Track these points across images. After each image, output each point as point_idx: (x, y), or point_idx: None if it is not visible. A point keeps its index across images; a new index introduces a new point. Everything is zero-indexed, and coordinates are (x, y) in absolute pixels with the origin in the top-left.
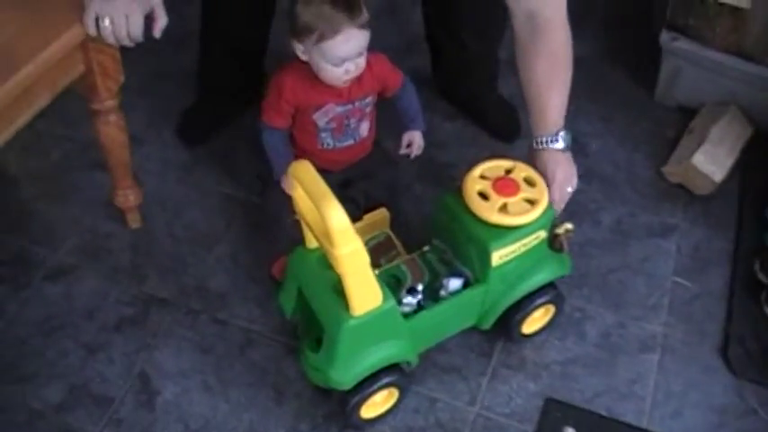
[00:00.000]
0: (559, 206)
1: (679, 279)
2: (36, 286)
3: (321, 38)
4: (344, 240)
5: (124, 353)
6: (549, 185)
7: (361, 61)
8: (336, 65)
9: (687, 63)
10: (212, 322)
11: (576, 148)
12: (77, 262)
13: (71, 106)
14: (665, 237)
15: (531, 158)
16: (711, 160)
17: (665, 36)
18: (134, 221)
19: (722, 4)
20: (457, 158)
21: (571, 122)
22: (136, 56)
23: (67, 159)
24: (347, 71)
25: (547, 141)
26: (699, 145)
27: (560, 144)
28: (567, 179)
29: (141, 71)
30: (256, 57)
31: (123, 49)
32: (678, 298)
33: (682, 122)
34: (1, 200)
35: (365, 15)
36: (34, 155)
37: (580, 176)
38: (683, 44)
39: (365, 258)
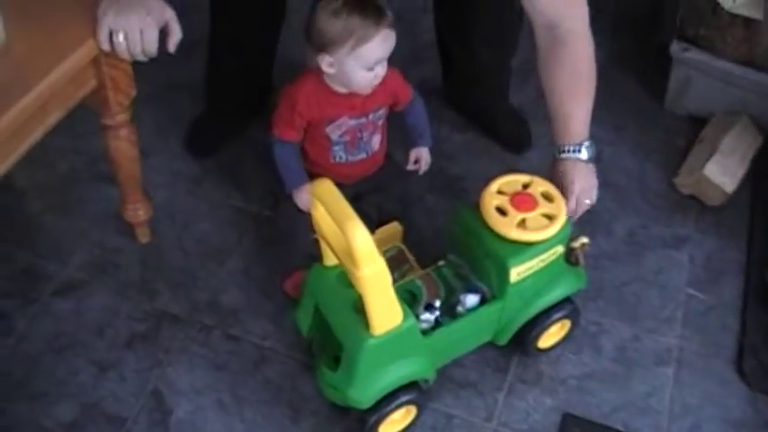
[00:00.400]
0: (573, 217)
1: (692, 291)
2: (45, 302)
3: (360, 42)
4: (368, 261)
5: (136, 370)
6: (566, 195)
7: (385, 63)
8: (371, 68)
9: (698, 72)
10: (225, 338)
11: None
12: (87, 277)
13: (77, 119)
14: (678, 248)
15: (553, 168)
16: (723, 171)
17: (675, 46)
18: (143, 236)
19: (735, 15)
20: (468, 170)
21: None
22: (142, 66)
23: (74, 172)
24: (376, 75)
25: (570, 150)
26: (710, 155)
27: (584, 155)
28: (585, 191)
29: (147, 81)
30: (265, 67)
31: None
32: (692, 310)
33: (692, 131)
34: (8, 214)
35: (391, 15)
36: (41, 168)
37: None
38: (694, 54)
39: (388, 278)
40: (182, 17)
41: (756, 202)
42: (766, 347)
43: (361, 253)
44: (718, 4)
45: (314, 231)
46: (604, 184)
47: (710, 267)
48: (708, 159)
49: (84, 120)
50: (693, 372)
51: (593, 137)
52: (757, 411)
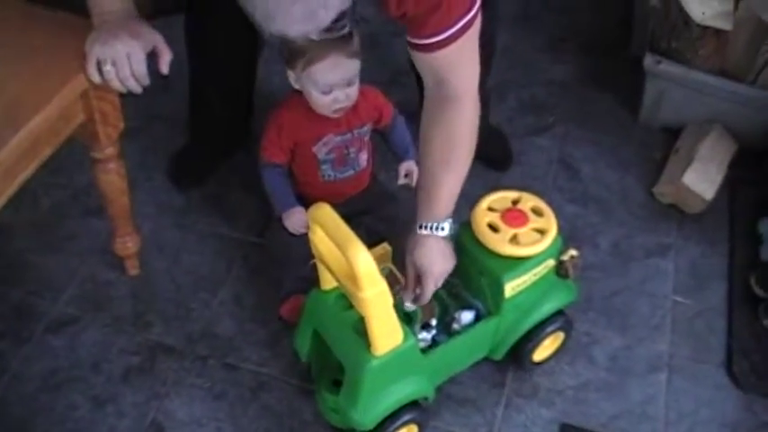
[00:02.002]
0: (427, 296)
1: (679, 298)
2: (38, 339)
3: (309, 63)
4: (371, 283)
5: (134, 404)
6: (423, 273)
7: (352, 92)
8: (324, 92)
9: (672, 85)
10: (222, 367)
11: (570, 172)
12: (79, 312)
13: (60, 153)
14: (663, 256)
15: (410, 241)
16: (702, 179)
17: (648, 59)
18: (133, 268)
19: (706, 27)
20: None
21: (561, 147)
22: (123, 99)
23: (60, 207)
24: (336, 100)
25: (431, 228)
26: (688, 164)
27: (445, 233)
28: (444, 272)
29: (129, 115)
30: (246, 94)
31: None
32: (680, 316)
33: (667, 143)
34: None
35: (355, 44)
36: (26, 204)
37: (575, 201)
38: (667, 67)
39: (389, 299)
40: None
41: (735, 207)
42: (755, 349)
43: (364, 275)
44: (689, 16)
45: (312, 256)
46: (587, 198)
47: (695, 274)
48: (686, 168)
49: (65, 154)
50: (686, 377)
51: (573, 154)
52: (752, 413)
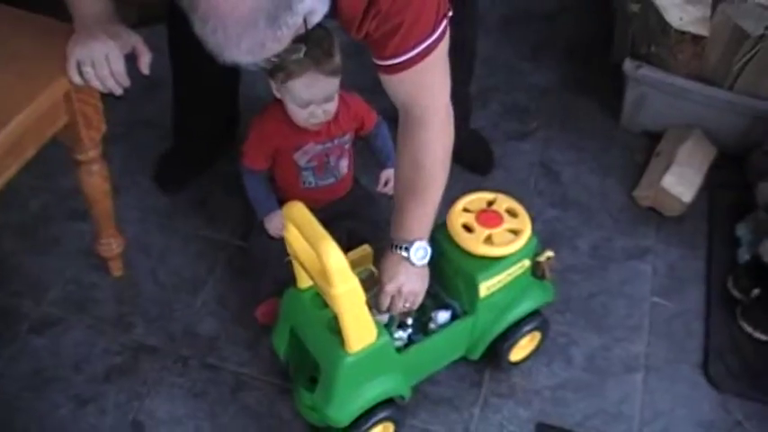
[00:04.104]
0: (396, 310)
1: (657, 299)
2: (22, 340)
3: (288, 77)
4: (342, 279)
5: (115, 403)
6: (391, 290)
7: (330, 107)
8: (301, 106)
9: (651, 89)
10: (202, 367)
11: (551, 176)
12: (62, 313)
13: (47, 156)
14: (642, 259)
15: (382, 258)
16: (680, 182)
17: (628, 64)
18: (117, 269)
19: (683, 32)
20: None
21: (543, 151)
22: (107, 104)
23: (46, 210)
24: (312, 114)
25: (399, 248)
26: (667, 167)
27: (412, 255)
28: (412, 292)
29: (114, 120)
30: (230, 99)
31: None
32: (658, 317)
33: (648, 147)
34: None
35: (335, 63)
36: (12, 207)
37: (556, 205)
38: (647, 71)
39: (361, 296)
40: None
41: (714, 211)
42: (731, 351)
43: (335, 271)
44: (668, 22)
45: (288, 254)
46: (567, 201)
47: (674, 276)
48: (665, 171)
49: (53, 158)
50: (662, 377)
51: (555, 158)
52: (727, 412)
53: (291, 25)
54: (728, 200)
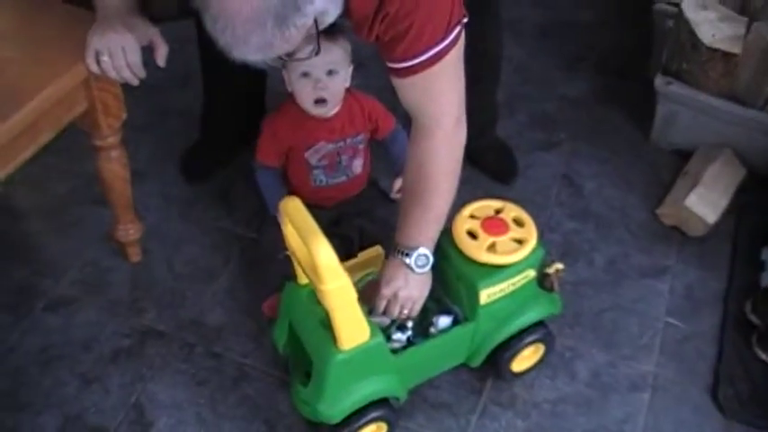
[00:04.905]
0: (392, 315)
1: (671, 319)
2: (36, 316)
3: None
4: (331, 276)
5: (120, 384)
6: (389, 294)
7: (334, 84)
8: (302, 73)
9: (682, 107)
10: (207, 355)
11: (573, 188)
12: (78, 294)
13: (79, 141)
14: (658, 278)
15: (386, 260)
16: (705, 202)
17: (659, 80)
18: (134, 255)
19: (715, 50)
20: (456, 199)
21: (568, 163)
22: (141, 93)
23: (73, 194)
24: (315, 86)
25: (401, 252)
26: (692, 187)
27: (412, 262)
28: (410, 298)
29: (146, 108)
30: (257, 97)
31: (129, 87)
32: (669, 338)
33: (677, 165)
34: (8, 232)
35: (341, 39)
36: (42, 189)
37: (575, 217)
38: (677, 88)
39: (352, 294)
40: (178, 47)
41: (739, 233)
42: (743, 377)
43: (325, 267)
44: (699, 38)
45: (285, 248)
46: (587, 214)
47: (690, 297)
48: (690, 191)
49: (84, 143)
50: (668, 398)
51: (579, 170)
52: None
53: (300, 26)
54: (755, 222)
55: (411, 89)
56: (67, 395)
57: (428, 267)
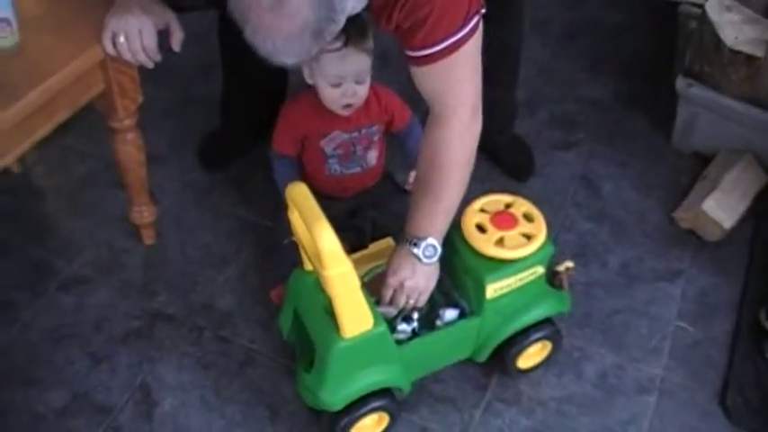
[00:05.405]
0: (398, 305)
1: (682, 323)
2: (50, 296)
3: (321, 52)
4: (334, 262)
5: (128, 364)
6: (395, 283)
7: (361, 90)
8: (333, 84)
9: (703, 110)
10: (215, 340)
11: (590, 189)
12: (91, 275)
13: (99, 124)
14: (672, 281)
15: (394, 250)
16: (722, 207)
17: (680, 82)
18: (149, 238)
19: (737, 52)
20: (468, 193)
21: (586, 163)
22: (165, 80)
23: (91, 176)
24: (344, 94)
25: (408, 241)
26: (710, 191)
27: (420, 252)
28: (416, 288)
29: (170, 95)
30: (278, 88)
31: (154, 73)
32: (680, 342)
33: (697, 169)
34: (26, 212)
35: (367, 42)
36: (61, 170)
37: (591, 218)
38: (698, 91)
39: (354, 281)
40: (201, 36)
41: (756, 240)
42: (753, 385)
43: (327, 253)
44: (721, 40)
45: (291, 233)
46: (603, 216)
47: (703, 302)
48: (708, 195)
49: (104, 126)
50: (675, 403)
51: (597, 172)
52: None
53: (334, 32)
54: None
55: (429, 78)
56: (77, 373)
57: (436, 258)
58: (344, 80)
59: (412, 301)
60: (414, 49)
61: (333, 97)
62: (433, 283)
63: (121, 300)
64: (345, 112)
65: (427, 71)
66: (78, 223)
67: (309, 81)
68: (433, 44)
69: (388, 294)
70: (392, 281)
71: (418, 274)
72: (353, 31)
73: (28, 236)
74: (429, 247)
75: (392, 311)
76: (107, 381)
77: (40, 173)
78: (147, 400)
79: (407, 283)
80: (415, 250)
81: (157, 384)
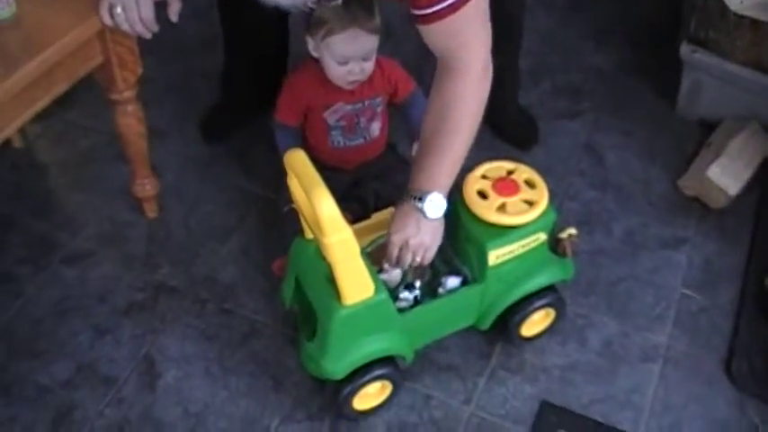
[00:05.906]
0: (403, 264)
1: (687, 291)
2: (54, 269)
3: (328, 33)
4: (333, 228)
5: (131, 336)
6: (398, 241)
7: (368, 66)
8: (340, 63)
9: (708, 76)
10: (218, 312)
11: (594, 158)
12: (95, 248)
13: (101, 98)
14: (677, 249)
15: (395, 208)
16: (727, 174)
17: (684, 48)
18: (151, 211)
19: (742, 17)
20: (471, 161)
21: (590, 133)
22: (166, 54)
23: (94, 150)
24: (350, 72)
25: (412, 197)
26: (715, 158)
27: (427, 207)
28: (421, 245)
29: (172, 69)
30: (277, 61)
31: (154, 48)
32: (684, 310)
33: (702, 136)
34: (30, 186)
35: (376, 22)
36: (63, 144)
37: (595, 186)
38: (703, 56)
39: (354, 248)
40: (203, 10)
41: (762, 207)
42: (758, 351)
43: (326, 219)
44: (726, 5)
45: (291, 201)
46: (607, 184)
47: (708, 270)
48: (712, 162)
49: (105, 100)
50: (680, 370)
51: (601, 141)
52: (743, 413)
53: None
54: None
55: (438, 35)
56: (81, 345)
57: (441, 213)
58: (352, 60)
59: (418, 259)
60: (421, 8)
61: (339, 74)
62: (438, 240)
63: (125, 272)
64: (350, 87)
65: (436, 28)
66: (81, 197)
67: (314, 54)
68: (440, 0)
69: (394, 253)
70: (396, 239)
71: (423, 230)
72: (359, 8)
73: (31, 210)
74: (434, 202)
75: (396, 278)
76: (111, 353)
77: (42, 147)
78: (151, 372)
79: (412, 241)
80: (420, 204)
81: (161, 356)
